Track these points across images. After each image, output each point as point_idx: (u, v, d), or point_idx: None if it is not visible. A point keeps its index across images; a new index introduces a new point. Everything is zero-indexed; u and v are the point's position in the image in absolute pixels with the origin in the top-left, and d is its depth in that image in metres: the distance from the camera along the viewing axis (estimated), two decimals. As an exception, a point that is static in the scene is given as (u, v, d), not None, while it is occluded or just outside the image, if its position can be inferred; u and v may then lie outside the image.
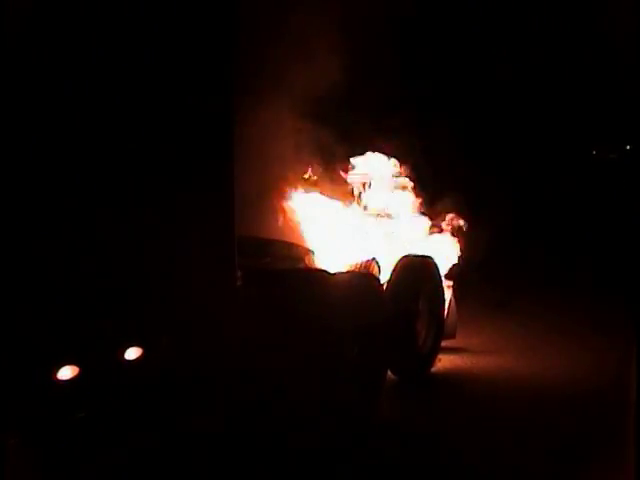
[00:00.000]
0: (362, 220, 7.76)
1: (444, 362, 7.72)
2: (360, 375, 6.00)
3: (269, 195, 7.33)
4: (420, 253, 7.35)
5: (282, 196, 7.45)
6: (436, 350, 7.45)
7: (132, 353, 4.01)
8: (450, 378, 7.35)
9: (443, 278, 7.76)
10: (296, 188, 7.56)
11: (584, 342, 8.28)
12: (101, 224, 4.00)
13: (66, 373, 3.71)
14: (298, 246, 6.83)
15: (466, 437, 5.80)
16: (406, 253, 7.20)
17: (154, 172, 4.27)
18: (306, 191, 7.65)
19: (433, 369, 7.45)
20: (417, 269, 7.14)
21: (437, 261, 7.48)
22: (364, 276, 6.54)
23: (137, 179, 4.18)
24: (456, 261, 8.08)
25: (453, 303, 8.04)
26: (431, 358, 7.36)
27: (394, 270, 6.95)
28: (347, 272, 6.44)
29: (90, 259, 3.92)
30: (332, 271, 6.27)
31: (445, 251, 8.03)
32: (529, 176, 15.45)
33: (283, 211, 7.43)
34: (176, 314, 4.28)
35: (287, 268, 6.14)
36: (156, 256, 4.24)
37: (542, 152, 16.85)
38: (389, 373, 6.80)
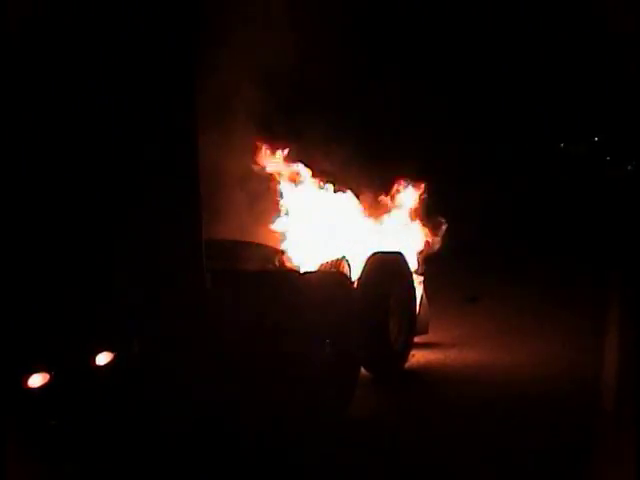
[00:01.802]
0: (332, 219, 7.78)
1: (417, 357, 7.77)
2: (333, 373, 6.02)
3: (240, 196, 7.33)
4: (390, 250, 7.38)
5: (254, 196, 7.46)
6: (409, 346, 7.49)
7: (103, 358, 4.00)
8: (423, 374, 7.39)
9: (414, 274, 7.82)
10: (268, 188, 7.58)
11: (556, 337, 8.36)
12: (66, 230, 3.98)
13: (37, 380, 3.70)
14: (268, 247, 6.85)
15: (439, 432, 5.83)
16: (376, 250, 7.23)
17: (117, 175, 4.26)
18: (277, 191, 7.68)
19: (407, 365, 7.50)
20: (387, 266, 7.17)
21: (407, 257, 7.53)
22: (334, 275, 6.57)
23: (100, 183, 4.17)
24: (426, 255, 8.14)
25: (425, 299, 8.09)
26: (404, 354, 7.40)
27: (364, 268, 6.97)
28: (316, 271, 6.47)
29: (58, 265, 3.90)
30: (302, 271, 6.29)
31: (416, 246, 8.09)
32: (499, 171, 15.58)
33: (255, 212, 7.45)
34: (146, 318, 4.27)
35: (257, 269, 6.15)
36: (124, 261, 4.23)
37: (511, 146, 17.00)
38: (363, 370, 6.86)
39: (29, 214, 3.85)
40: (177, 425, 4.52)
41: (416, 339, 7.89)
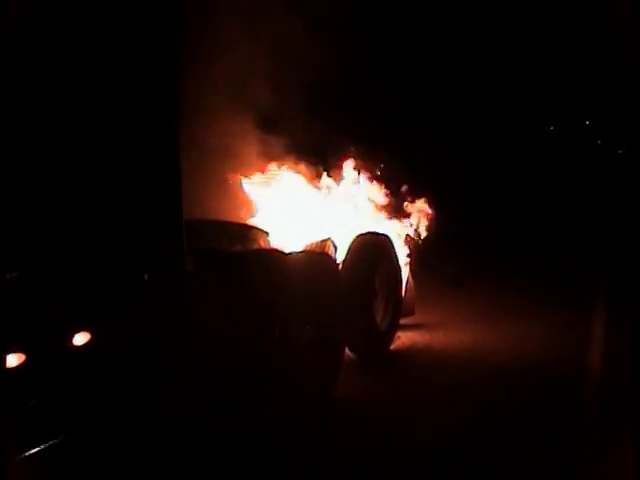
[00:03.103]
0: (318, 200, 7.75)
1: (403, 339, 7.76)
2: (317, 354, 6.01)
3: (226, 177, 7.29)
4: (375, 231, 7.36)
5: (239, 178, 7.42)
6: (395, 327, 7.49)
7: (80, 338, 3.96)
8: (409, 355, 7.38)
9: (399, 256, 7.81)
10: (254, 171, 7.53)
11: (540, 317, 8.41)
12: (43, 209, 3.94)
13: (11, 361, 3.66)
14: (253, 227, 6.80)
15: (424, 413, 5.82)
16: (361, 232, 7.21)
17: (95, 153, 4.21)
18: (264, 173, 7.63)
19: (392, 346, 7.50)
20: (372, 247, 7.15)
21: (393, 239, 7.51)
22: (318, 255, 6.54)
23: (79, 161, 4.13)
24: (413, 237, 8.13)
25: (411, 280, 8.09)
26: (390, 335, 7.40)
27: (349, 249, 6.96)
28: (301, 252, 6.42)
29: (34, 241, 3.86)
30: (287, 251, 6.25)
31: (402, 228, 8.08)
32: (488, 154, 15.53)
33: (240, 193, 7.41)
34: (124, 299, 4.23)
35: (241, 250, 6.11)
36: (102, 239, 4.19)
37: (502, 129, 16.92)
38: (348, 352, 6.86)
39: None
40: (158, 409, 4.49)
41: (402, 320, 7.91)
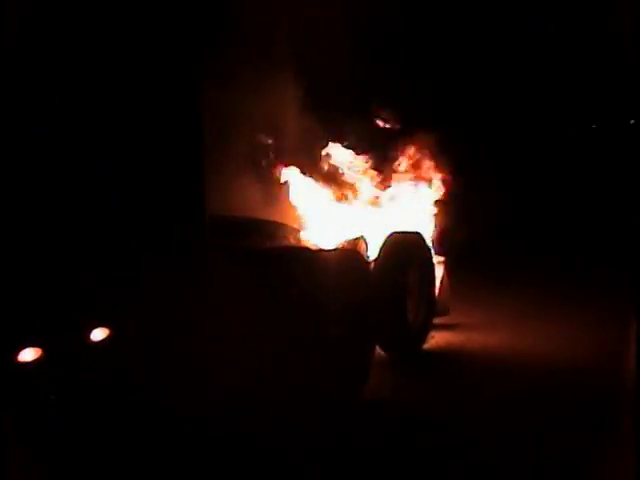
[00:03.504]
0: (352, 198, 7.69)
1: (437, 339, 7.65)
2: (346, 353, 5.92)
3: (258, 174, 7.25)
4: (408, 229, 7.26)
5: (272, 175, 7.39)
6: (428, 327, 7.38)
7: (98, 334, 3.93)
8: (442, 355, 7.26)
9: (434, 254, 7.70)
10: (287, 168, 7.49)
11: (580, 319, 8.18)
12: (65, 203, 3.92)
13: (28, 355, 3.64)
14: (284, 225, 6.75)
15: (456, 416, 5.69)
16: (394, 230, 7.12)
17: (117, 149, 4.18)
18: (297, 171, 7.59)
19: (426, 346, 7.38)
20: (405, 245, 7.05)
21: (426, 237, 7.40)
22: (348, 253, 6.46)
23: (100, 157, 4.10)
24: (449, 236, 8.03)
25: (446, 279, 7.97)
26: (423, 335, 7.29)
27: (381, 247, 6.88)
28: (330, 249, 6.34)
29: (55, 238, 3.84)
30: (317, 249, 6.19)
31: (437, 227, 7.98)
32: (530, 152, 15.16)
33: (273, 190, 7.37)
34: (145, 296, 4.18)
35: (270, 247, 6.05)
36: (122, 235, 4.15)
37: (542, 127, 16.54)
38: (380, 351, 6.77)
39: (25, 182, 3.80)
40: (176, 408, 4.42)
41: (437, 320, 7.80)
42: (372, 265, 6.76)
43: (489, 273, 9.88)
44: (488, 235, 10.45)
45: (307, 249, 6.17)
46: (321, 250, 6.23)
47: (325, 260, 5.98)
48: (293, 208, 7.40)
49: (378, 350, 6.69)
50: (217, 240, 5.75)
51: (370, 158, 7.91)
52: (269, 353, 5.34)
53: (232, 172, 6.65)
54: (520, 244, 11.78)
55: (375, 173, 7.96)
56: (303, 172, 7.59)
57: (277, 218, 7.05)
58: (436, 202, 8.08)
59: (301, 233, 6.83)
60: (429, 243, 7.49)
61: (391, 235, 7.01)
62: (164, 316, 4.28)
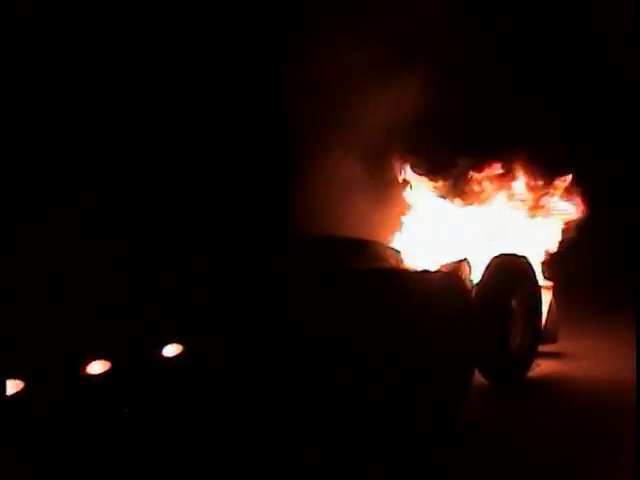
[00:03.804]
0: (457, 219, 7.57)
1: (543, 367, 7.40)
2: (442, 380, 5.81)
3: (361, 194, 7.27)
4: (514, 253, 7.08)
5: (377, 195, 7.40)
6: (533, 354, 7.15)
7: (170, 350, 3.95)
8: (547, 385, 7.01)
9: (541, 278, 7.49)
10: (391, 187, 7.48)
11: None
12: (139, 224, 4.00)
13: (95, 368, 3.70)
14: (385, 246, 6.71)
15: (555, 449, 5.40)
16: (499, 253, 6.96)
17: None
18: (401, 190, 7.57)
19: (530, 374, 7.16)
20: (509, 269, 6.88)
21: (534, 261, 7.20)
22: (446, 276, 6.34)
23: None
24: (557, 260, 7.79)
25: (554, 305, 7.72)
26: (527, 362, 7.07)
27: (485, 270, 6.74)
28: (430, 272, 6.25)
29: (133, 250, 3.92)
30: (415, 271, 6.12)
31: (546, 251, 7.76)
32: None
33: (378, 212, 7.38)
34: (221, 315, 4.20)
35: (364, 268, 6.00)
36: (201, 249, 4.21)
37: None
38: (481, 378, 6.62)
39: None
40: (250, 433, 4.39)
41: (544, 348, 7.57)
42: (474, 289, 6.63)
43: (599, 300, 9.47)
44: (601, 260, 10.05)
45: (405, 271, 6.10)
46: (420, 272, 6.15)
47: (423, 283, 5.90)
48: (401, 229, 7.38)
49: (480, 378, 6.59)
50: (309, 260, 5.79)
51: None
52: (363, 378, 5.30)
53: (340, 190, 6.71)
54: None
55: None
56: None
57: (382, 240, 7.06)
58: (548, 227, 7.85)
59: (403, 255, 6.75)
60: (537, 267, 7.28)
61: (495, 258, 6.86)
62: (242, 339, 4.29)
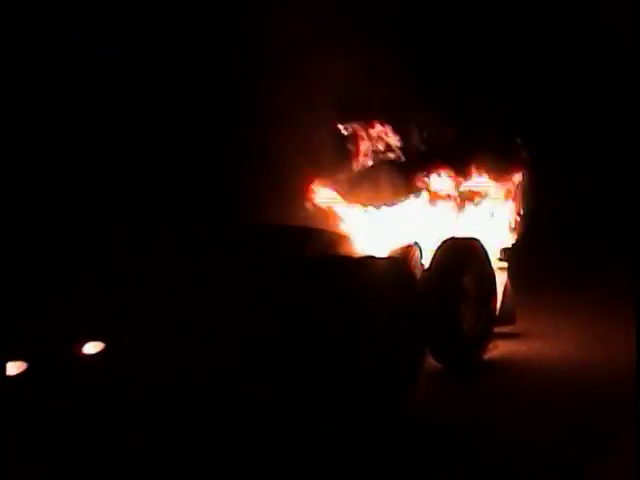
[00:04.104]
0: (406, 204, 7.50)
1: (500, 348, 7.35)
2: (390, 363, 5.74)
3: (307, 183, 7.19)
4: (465, 236, 7.02)
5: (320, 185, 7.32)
6: (487, 336, 7.08)
7: (91, 348, 3.86)
8: (503, 366, 6.94)
9: (495, 260, 7.43)
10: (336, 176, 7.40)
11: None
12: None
13: (12, 368, 3.61)
14: (331, 233, 6.62)
15: (500, 430, 5.30)
16: (449, 236, 6.90)
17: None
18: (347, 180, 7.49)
19: (487, 356, 7.09)
20: (459, 252, 6.82)
21: (484, 243, 7.13)
22: (390, 261, 6.26)
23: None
24: (513, 242, 7.73)
25: (509, 286, 7.68)
26: (481, 344, 7.00)
27: (435, 254, 6.68)
28: (373, 258, 6.16)
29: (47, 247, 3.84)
30: (359, 258, 6.04)
31: (499, 232, 7.70)
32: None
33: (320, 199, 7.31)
34: (142, 309, 4.10)
35: (306, 256, 5.93)
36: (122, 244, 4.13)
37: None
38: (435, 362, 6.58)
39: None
40: (175, 425, 4.29)
41: (502, 329, 7.53)
42: (423, 273, 6.58)
43: (555, 278, 9.42)
44: (553, 237, 10.00)
45: (350, 257, 6.03)
46: (366, 258, 6.08)
47: (368, 269, 5.82)
48: (349, 215, 7.30)
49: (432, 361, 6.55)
50: (255, 248, 5.74)
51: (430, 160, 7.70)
52: (310, 363, 5.24)
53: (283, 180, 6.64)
54: (588, 245, 11.15)
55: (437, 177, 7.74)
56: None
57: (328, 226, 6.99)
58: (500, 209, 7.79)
59: (350, 241, 6.67)
60: (489, 249, 7.21)
61: (445, 242, 6.79)
62: (163, 333, 4.18)
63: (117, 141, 5.04)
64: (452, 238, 6.87)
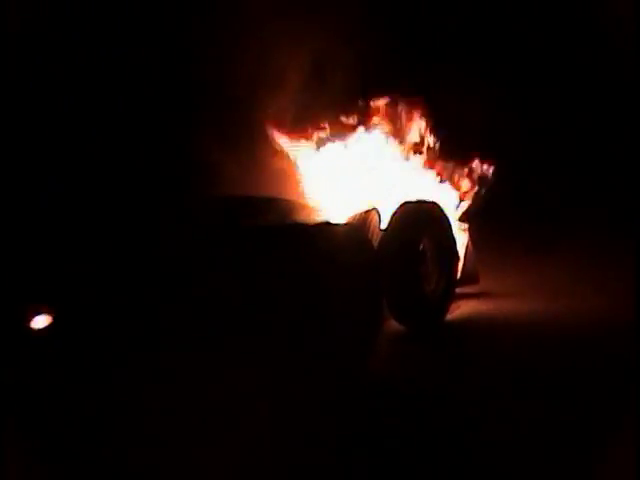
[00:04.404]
0: (366, 170, 7.58)
1: (464, 309, 7.48)
2: (351, 326, 5.85)
3: (266, 152, 7.26)
4: (421, 199, 7.11)
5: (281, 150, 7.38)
6: (449, 297, 7.21)
7: (40, 321, 3.86)
8: (466, 326, 7.03)
9: (456, 223, 7.55)
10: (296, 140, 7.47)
11: (615, 289, 7.52)
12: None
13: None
14: (290, 201, 6.70)
15: (473, 389, 5.30)
16: (406, 200, 6.99)
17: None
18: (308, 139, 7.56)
19: (450, 316, 7.22)
20: (416, 214, 6.91)
21: (443, 205, 7.23)
22: (346, 227, 6.35)
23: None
24: (469, 203, 7.84)
25: (471, 247, 7.79)
26: (443, 305, 7.13)
27: (392, 217, 6.78)
28: (330, 225, 6.25)
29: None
30: (316, 225, 6.14)
31: (456, 194, 7.81)
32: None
33: (282, 166, 7.37)
34: (92, 278, 4.12)
35: (263, 225, 6.01)
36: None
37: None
38: (397, 324, 6.70)
39: None
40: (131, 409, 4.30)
41: (466, 289, 7.66)
42: (381, 236, 6.68)
43: (516, 240, 9.51)
44: (510, 201, 10.07)
45: (307, 225, 6.12)
46: (322, 225, 6.18)
47: (325, 236, 5.92)
48: (307, 181, 7.38)
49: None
50: (212, 219, 5.81)
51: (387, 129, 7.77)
52: (269, 334, 5.32)
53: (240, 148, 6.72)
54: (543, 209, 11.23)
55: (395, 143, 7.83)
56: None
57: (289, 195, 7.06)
58: (459, 171, 7.88)
59: (310, 208, 6.77)
60: (448, 211, 7.32)
61: (402, 205, 6.89)
62: (116, 301, 4.19)
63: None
64: (408, 202, 6.95)
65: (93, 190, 4.76)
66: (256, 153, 7.02)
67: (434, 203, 7.11)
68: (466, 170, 7.86)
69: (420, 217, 6.95)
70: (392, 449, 4.46)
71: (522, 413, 4.81)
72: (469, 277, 7.71)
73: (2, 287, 3.79)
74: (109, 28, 6.51)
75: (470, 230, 7.75)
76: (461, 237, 7.57)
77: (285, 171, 7.20)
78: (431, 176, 7.79)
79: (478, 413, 4.88)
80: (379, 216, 6.90)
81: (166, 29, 6.27)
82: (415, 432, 4.70)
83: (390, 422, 4.88)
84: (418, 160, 7.79)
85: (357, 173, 7.51)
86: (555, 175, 10.49)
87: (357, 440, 4.61)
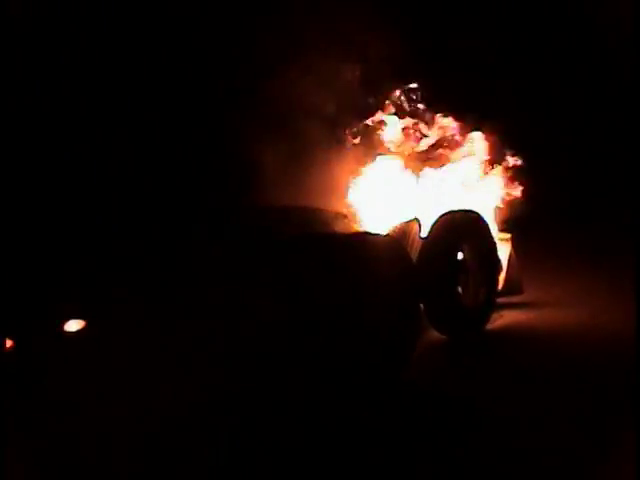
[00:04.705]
0: (407, 179, 7.62)
1: (505, 318, 7.44)
2: (387, 337, 5.89)
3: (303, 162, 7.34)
4: (462, 208, 7.12)
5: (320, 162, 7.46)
6: (490, 307, 7.19)
7: (73, 325, 3.99)
8: (507, 336, 6.99)
9: (498, 232, 7.54)
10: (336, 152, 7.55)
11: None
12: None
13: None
14: (327, 212, 6.78)
15: (499, 399, 5.32)
16: (447, 210, 7.01)
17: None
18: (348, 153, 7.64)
19: (492, 326, 7.19)
20: (455, 224, 6.92)
21: (485, 214, 7.23)
22: (382, 238, 6.36)
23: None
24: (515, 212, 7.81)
25: (514, 257, 7.75)
26: (485, 314, 7.11)
27: (432, 226, 6.81)
28: (368, 235, 6.29)
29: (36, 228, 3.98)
30: (353, 236, 6.22)
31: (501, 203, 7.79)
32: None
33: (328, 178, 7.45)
34: (123, 285, 4.26)
35: (302, 235, 6.08)
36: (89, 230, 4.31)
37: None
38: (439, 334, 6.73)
39: None
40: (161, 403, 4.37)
41: (510, 299, 7.63)
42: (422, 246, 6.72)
43: (558, 248, 9.40)
44: (554, 209, 9.96)
45: (344, 235, 6.20)
46: (360, 236, 6.26)
47: (362, 246, 5.96)
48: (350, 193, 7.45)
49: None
50: (253, 230, 5.91)
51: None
52: (304, 344, 5.39)
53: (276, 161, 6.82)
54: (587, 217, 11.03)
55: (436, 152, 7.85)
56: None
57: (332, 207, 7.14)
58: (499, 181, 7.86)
59: (348, 218, 6.84)
60: (489, 220, 7.31)
61: (443, 215, 6.91)
62: (147, 308, 4.31)
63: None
64: (450, 211, 6.98)
65: (131, 197, 4.86)
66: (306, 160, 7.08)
67: (475, 212, 7.12)
68: (507, 177, 7.83)
69: (460, 226, 6.96)
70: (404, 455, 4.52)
71: (553, 426, 4.77)
72: (513, 287, 7.66)
73: (37, 289, 3.92)
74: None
75: (513, 239, 7.71)
76: (504, 246, 7.54)
77: (333, 181, 7.26)
78: (472, 184, 7.77)
79: (506, 423, 4.90)
80: (420, 226, 6.93)
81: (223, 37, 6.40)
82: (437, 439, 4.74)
83: (408, 426, 4.96)
84: (461, 169, 7.78)
85: (401, 183, 7.55)
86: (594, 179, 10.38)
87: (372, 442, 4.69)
